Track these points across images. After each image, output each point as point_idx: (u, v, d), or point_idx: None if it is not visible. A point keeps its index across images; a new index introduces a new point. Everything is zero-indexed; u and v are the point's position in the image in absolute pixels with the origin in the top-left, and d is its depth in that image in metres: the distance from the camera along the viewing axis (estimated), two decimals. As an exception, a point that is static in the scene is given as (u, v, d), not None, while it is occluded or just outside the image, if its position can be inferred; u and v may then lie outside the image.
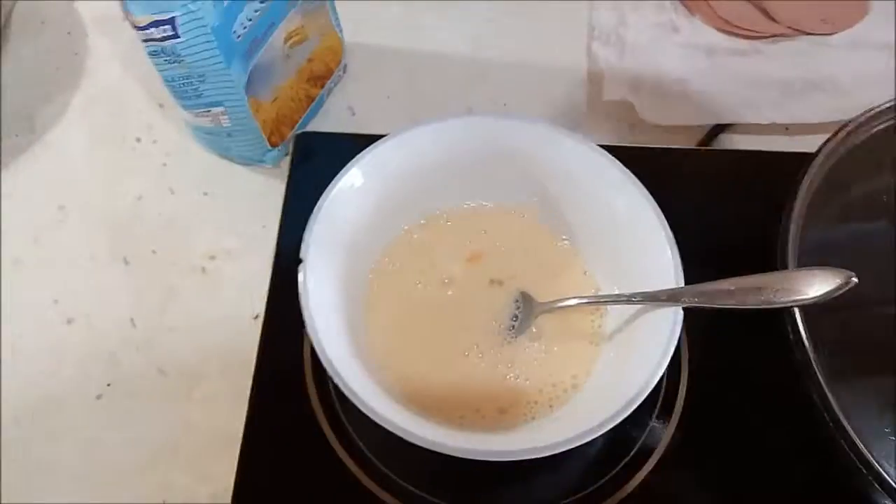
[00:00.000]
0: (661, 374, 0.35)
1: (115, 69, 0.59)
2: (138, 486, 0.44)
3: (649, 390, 0.35)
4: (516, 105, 0.58)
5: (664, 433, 0.43)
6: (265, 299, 0.48)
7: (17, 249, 0.51)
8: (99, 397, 0.47)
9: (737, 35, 0.62)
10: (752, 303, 0.36)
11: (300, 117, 0.55)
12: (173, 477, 0.44)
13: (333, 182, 0.40)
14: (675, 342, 0.36)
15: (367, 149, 0.41)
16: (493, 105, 0.57)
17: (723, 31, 0.62)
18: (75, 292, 0.50)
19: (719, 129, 0.57)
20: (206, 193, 0.54)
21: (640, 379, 0.35)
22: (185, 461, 0.45)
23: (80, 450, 0.45)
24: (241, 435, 0.43)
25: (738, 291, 0.36)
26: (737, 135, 0.57)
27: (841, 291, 0.34)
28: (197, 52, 0.44)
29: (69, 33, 0.60)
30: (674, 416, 0.43)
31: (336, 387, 0.42)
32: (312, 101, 0.55)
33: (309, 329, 0.36)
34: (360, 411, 0.35)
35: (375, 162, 0.41)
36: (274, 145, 0.52)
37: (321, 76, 0.56)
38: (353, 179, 0.40)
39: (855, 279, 0.33)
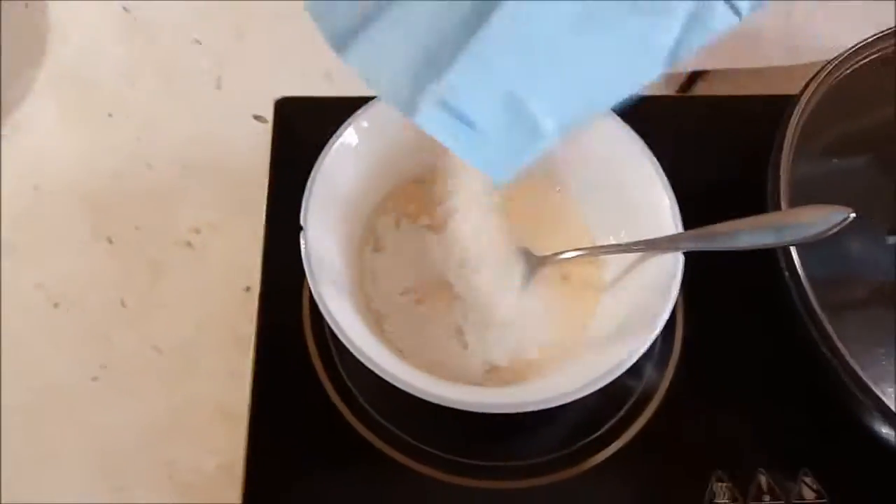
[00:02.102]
0: (665, 318, 0.35)
1: (78, 42, 0.57)
2: (143, 463, 0.44)
3: (655, 335, 0.35)
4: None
5: (662, 379, 0.44)
6: (256, 270, 0.47)
7: (-1, 233, 0.50)
8: (95, 379, 0.46)
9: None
10: (749, 243, 0.36)
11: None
12: (177, 452, 0.44)
13: (328, 145, 0.39)
14: (678, 287, 0.36)
15: (364, 108, 0.40)
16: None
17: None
18: (59, 275, 0.49)
19: (696, 75, 0.57)
20: (184, 166, 0.53)
21: (644, 325, 0.36)
22: (187, 436, 0.45)
23: (82, 432, 0.45)
24: (240, 406, 0.43)
25: (735, 233, 0.36)
26: (714, 81, 0.58)
27: (838, 228, 0.34)
28: None
29: (26, 6, 0.58)
30: (671, 361, 0.44)
31: (339, 350, 0.42)
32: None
33: (316, 296, 0.35)
34: (364, 373, 0.35)
35: (372, 120, 0.40)
36: None
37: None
38: (348, 139, 0.40)
39: (852, 214, 0.34)
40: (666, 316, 0.36)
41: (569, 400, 0.34)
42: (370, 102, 0.41)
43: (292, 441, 0.42)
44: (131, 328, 0.48)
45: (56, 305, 0.48)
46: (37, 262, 0.49)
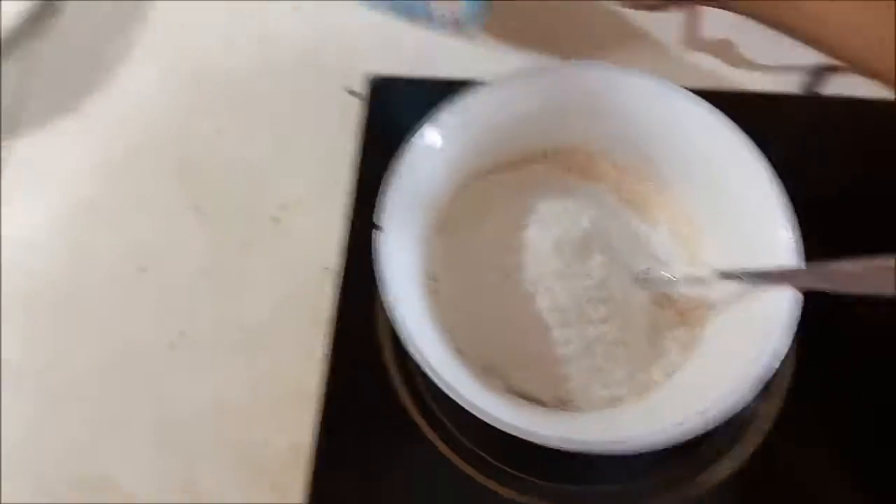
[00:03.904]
0: (776, 366, 0.32)
1: (180, 9, 0.56)
2: (214, 437, 0.44)
3: (759, 387, 0.32)
4: (604, 44, 0.53)
5: (768, 411, 0.40)
6: (336, 252, 0.46)
7: (90, 191, 0.50)
8: (172, 346, 0.46)
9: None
10: (882, 289, 0.31)
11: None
12: (250, 429, 0.44)
13: (409, 143, 0.37)
14: (793, 331, 0.32)
15: (445, 106, 0.38)
16: (578, 43, 0.53)
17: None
18: (147, 240, 0.49)
19: (826, 70, 0.52)
20: (277, 139, 0.52)
21: (749, 372, 0.32)
22: (259, 413, 0.44)
23: (154, 400, 0.45)
24: (313, 387, 0.43)
25: (867, 274, 0.32)
26: (848, 79, 0.52)
27: None
28: None
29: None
30: (777, 391, 0.40)
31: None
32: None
33: (387, 304, 0.34)
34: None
35: (454, 119, 0.38)
36: None
37: None
38: (429, 139, 0.38)
39: None
40: (777, 363, 0.32)
41: (677, 441, 0.32)
42: (458, 95, 0.39)
43: (359, 427, 0.42)
44: (212, 300, 0.47)
45: (143, 269, 0.48)
46: (127, 224, 0.50)
